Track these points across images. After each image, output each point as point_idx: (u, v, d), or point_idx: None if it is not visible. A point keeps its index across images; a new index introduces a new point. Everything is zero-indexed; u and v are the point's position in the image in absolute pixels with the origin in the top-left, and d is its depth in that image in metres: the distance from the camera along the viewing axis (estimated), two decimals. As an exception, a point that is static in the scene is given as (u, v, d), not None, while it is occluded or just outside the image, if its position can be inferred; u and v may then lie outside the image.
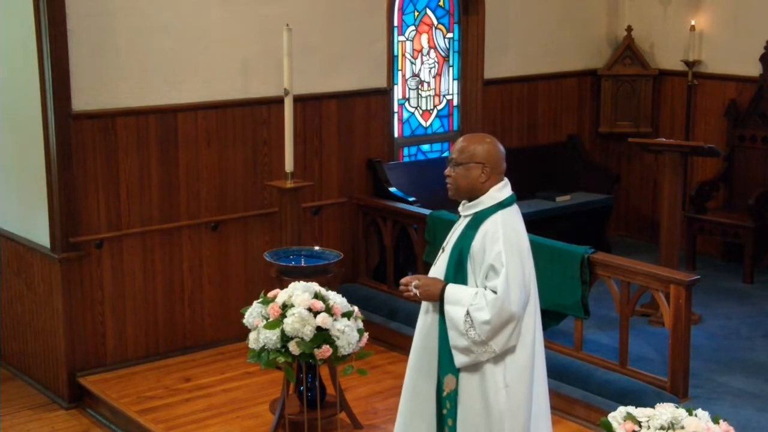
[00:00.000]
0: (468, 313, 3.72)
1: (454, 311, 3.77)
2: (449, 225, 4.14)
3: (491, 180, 3.86)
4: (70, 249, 6.14)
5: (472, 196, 3.89)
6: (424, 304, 3.97)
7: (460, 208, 3.97)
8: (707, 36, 8.40)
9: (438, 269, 3.95)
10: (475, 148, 3.86)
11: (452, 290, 3.82)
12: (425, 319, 3.97)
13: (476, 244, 3.80)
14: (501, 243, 3.74)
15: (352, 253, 7.28)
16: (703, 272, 7.58)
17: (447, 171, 3.92)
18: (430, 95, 8.04)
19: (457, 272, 3.85)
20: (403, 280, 3.95)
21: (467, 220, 3.90)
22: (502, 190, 3.88)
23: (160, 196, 6.49)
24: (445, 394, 3.88)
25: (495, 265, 3.73)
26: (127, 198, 6.36)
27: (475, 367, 3.80)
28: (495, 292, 3.71)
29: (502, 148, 3.93)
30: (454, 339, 3.78)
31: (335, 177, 7.29)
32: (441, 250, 4.00)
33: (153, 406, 5.88)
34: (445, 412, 3.90)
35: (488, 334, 3.72)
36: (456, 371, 3.83)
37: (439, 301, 3.84)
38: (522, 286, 3.75)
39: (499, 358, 3.78)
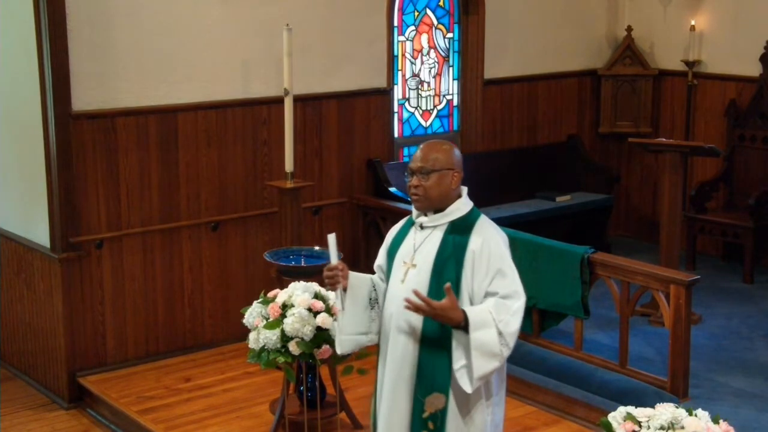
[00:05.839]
0: (500, 333, 3.52)
1: (485, 335, 3.52)
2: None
3: (458, 185, 3.72)
4: (70, 249, 6.14)
5: (442, 204, 3.71)
6: (394, 331, 3.68)
7: (423, 219, 3.76)
8: (707, 36, 8.40)
9: (414, 285, 3.62)
10: (442, 155, 3.70)
11: (474, 313, 3.54)
12: (398, 347, 3.69)
13: (476, 248, 3.59)
14: (503, 247, 3.65)
15: (352, 253, 7.27)
16: (703, 272, 7.58)
17: (414, 181, 3.72)
18: (430, 95, 8.04)
19: (441, 285, 3.58)
20: (417, 296, 3.54)
21: (441, 229, 3.69)
22: (466, 194, 3.76)
23: (160, 196, 6.49)
24: (426, 414, 3.64)
25: (504, 269, 3.59)
26: (127, 198, 6.36)
27: None
28: (505, 298, 3.55)
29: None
30: (482, 365, 3.53)
31: (335, 177, 7.29)
32: (405, 266, 3.72)
33: (153, 406, 5.88)
34: None
35: (514, 343, 3.59)
36: (447, 390, 3.62)
37: (457, 326, 3.54)
38: None
39: None
